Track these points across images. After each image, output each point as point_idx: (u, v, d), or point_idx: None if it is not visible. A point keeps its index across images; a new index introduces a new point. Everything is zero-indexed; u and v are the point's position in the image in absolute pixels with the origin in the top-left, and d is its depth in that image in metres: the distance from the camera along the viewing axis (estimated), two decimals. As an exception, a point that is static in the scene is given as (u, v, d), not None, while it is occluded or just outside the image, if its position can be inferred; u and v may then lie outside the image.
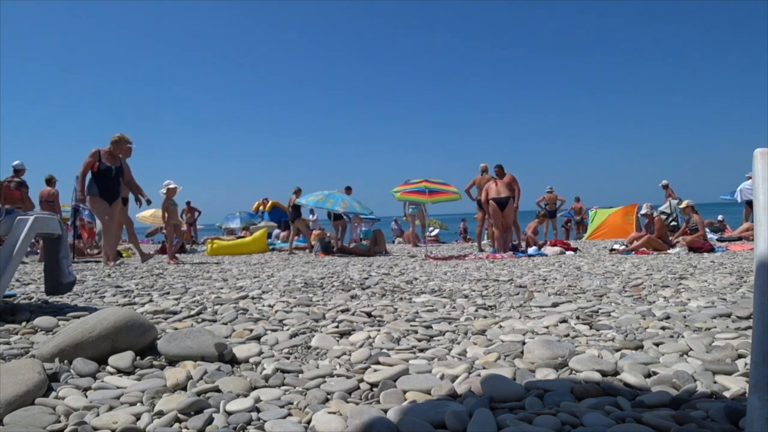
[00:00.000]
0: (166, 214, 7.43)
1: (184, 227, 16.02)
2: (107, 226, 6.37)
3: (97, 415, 1.13)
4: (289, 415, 1.15)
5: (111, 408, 1.17)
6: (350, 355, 1.62)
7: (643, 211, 8.13)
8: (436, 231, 16.83)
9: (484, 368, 1.45)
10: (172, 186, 7.32)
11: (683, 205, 9.08)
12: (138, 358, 1.56)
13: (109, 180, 6.35)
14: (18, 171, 7.66)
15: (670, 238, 8.05)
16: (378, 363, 1.51)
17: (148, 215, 18.37)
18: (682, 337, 1.76)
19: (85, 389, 1.31)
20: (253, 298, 2.87)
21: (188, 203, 15.90)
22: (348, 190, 11.77)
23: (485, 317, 2.22)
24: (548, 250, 7.59)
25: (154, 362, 1.54)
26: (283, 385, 1.35)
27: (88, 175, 6.32)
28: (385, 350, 1.67)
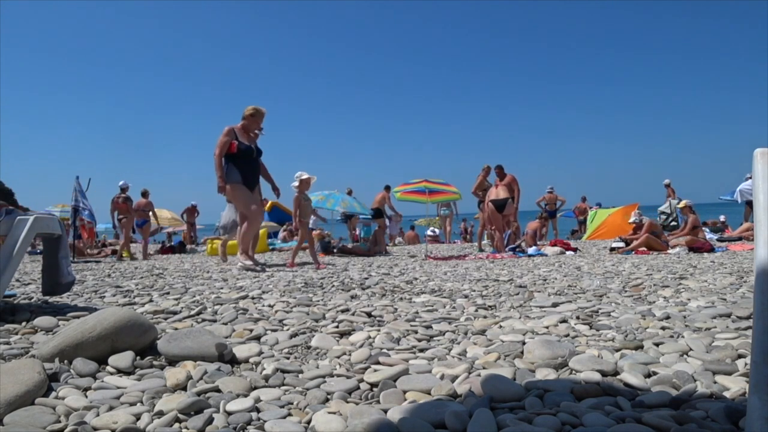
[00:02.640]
0: (298, 211, 6.15)
1: (184, 227, 16.05)
2: (253, 216, 5.33)
3: (97, 415, 1.13)
4: (289, 415, 1.15)
5: (111, 408, 1.17)
6: (350, 355, 1.62)
7: (631, 220, 8.10)
8: (437, 231, 16.83)
9: (484, 368, 1.45)
10: (305, 177, 6.09)
11: (681, 204, 9.09)
12: (138, 358, 1.56)
13: (250, 162, 5.37)
14: (123, 189, 9.42)
15: (668, 236, 8.04)
16: (378, 363, 1.51)
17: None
18: (682, 337, 1.76)
19: (85, 389, 1.31)
20: (253, 298, 2.87)
21: (194, 206, 15.96)
22: (349, 192, 11.87)
23: (485, 317, 2.22)
24: (548, 250, 7.59)
25: (154, 362, 1.54)
26: (283, 385, 1.35)
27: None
28: (385, 350, 1.67)
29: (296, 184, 6.13)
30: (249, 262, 5.23)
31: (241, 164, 5.26)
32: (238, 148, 5.20)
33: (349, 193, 12.08)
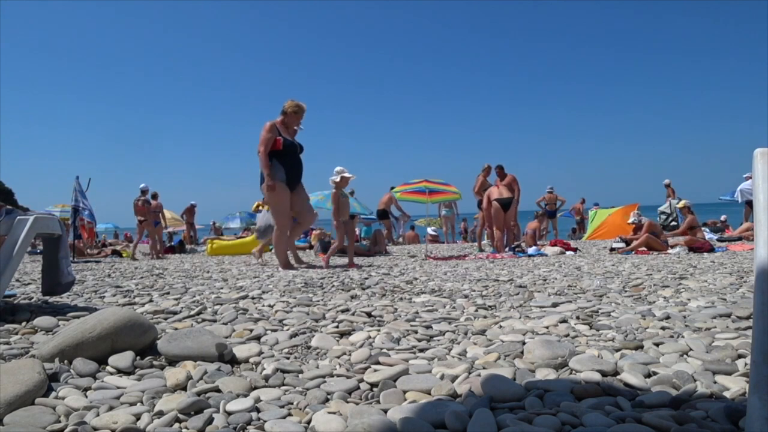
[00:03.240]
0: (335, 209, 5.88)
1: (183, 226, 16.07)
2: (283, 227, 5.12)
3: (97, 415, 1.13)
4: (289, 415, 1.15)
5: (111, 408, 1.17)
6: (350, 355, 1.62)
7: (630, 220, 8.11)
8: (437, 231, 16.84)
9: (484, 368, 1.45)
10: (347, 175, 5.80)
11: (680, 205, 9.09)
12: (138, 358, 1.56)
13: (294, 159, 5.13)
14: (144, 192, 9.74)
15: (666, 235, 8.05)
16: (378, 363, 1.51)
17: (148, 215, 18.36)
18: (682, 337, 1.76)
19: (85, 389, 1.31)
20: (253, 298, 2.87)
21: (193, 205, 15.96)
22: (351, 193, 11.95)
23: (485, 317, 2.22)
24: (548, 250, 7.59)
25: (154, 362, 1.54)
26: (283, 385, 1.35)
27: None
28: (385, 350, 1.67)
29: (336, 179, 5.78)
30: (288, 270, 4.98)
31: (286, 161, 5.00)
32: (283, 144, 4.94)
33: (351, 193, 12.13)
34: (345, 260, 6.91)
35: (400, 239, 14.08)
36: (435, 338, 1.86)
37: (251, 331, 1.96)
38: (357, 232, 13.83)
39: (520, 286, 3.24)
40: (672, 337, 1.78)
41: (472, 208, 10.12)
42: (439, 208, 13.47)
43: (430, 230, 13.62)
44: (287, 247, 5.39)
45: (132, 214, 9.83)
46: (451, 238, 13.88)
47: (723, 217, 13.05)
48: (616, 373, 1.40)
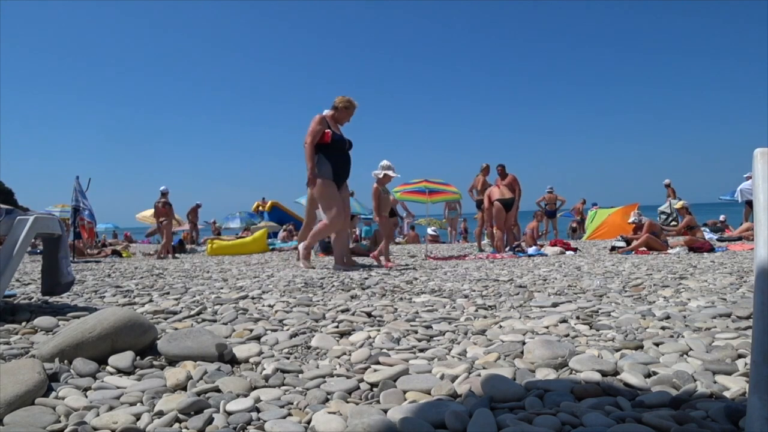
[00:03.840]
0: (376, 204, 5.66)
1: (186, 226, 16.09)
2: (332, 222, 4.94)
3: (97, 415, 1.13)
4: (289, 415, 1.15)
5: (111, 408, 1.17)
6: (350, 355, 1.62)
7: (630, 220, 8.12)
8: (437, 231, 16.85)
9: (484, 368, 1.45)
10: (391, 174, 5.60)
11: (678, 205, 9.11)
12: (138, 358, 1.56)
13: (342, 155, 4.93)
14: (164, 194, 10.10)
15: (665, 233, 8.07)
16: (378, 363, 1.51)
17: (148, 215, 18.39)
18: (682, 337, 1.76)
19: (85, 389, 1.31)
20: (253, 298, 2.87)
21: (198, 205, 16.01)
22: (351, 194, 12.01)
23: (485, 317, 2.22)
24: (548, 250, 7.59)
25: (154, 362, 1.54)
26: (283, 385, 1.35)
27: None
28: (385, 350, 1.67)
29: (380, 175, 5.57)
30: (306, 264, 4.92)
31: (334, 156, 4.81)
32: (332, 138, 4.74)
33: (352, 194, 12.18)
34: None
35: (404, 239, 14.11)
36: (435, 338, 1.86)
37: (251, 331, 1.96)
38: (357, 232, 13.86)
39: (520, 286, 3.24)
40: (672, 337, 1.78)
41: (471, 208, 10.12)
42: (445, 209, 13.50)
43: (430, 230, 13.63)
44: (316, 241, 5.20)
45: (131, 215, 10.02)
46: (460, 239, 13.97)
47: (722, 217, 13.06)
48: (616, 373, 1.40)
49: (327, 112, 5.07)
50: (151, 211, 18.47)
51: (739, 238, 9.47)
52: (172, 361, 1.56)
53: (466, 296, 2.86)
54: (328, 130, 4.79)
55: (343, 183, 5.05)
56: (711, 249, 7.09)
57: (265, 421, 1.10)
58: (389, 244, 5.92)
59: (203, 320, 2.22)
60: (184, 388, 1.32)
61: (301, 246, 5.18)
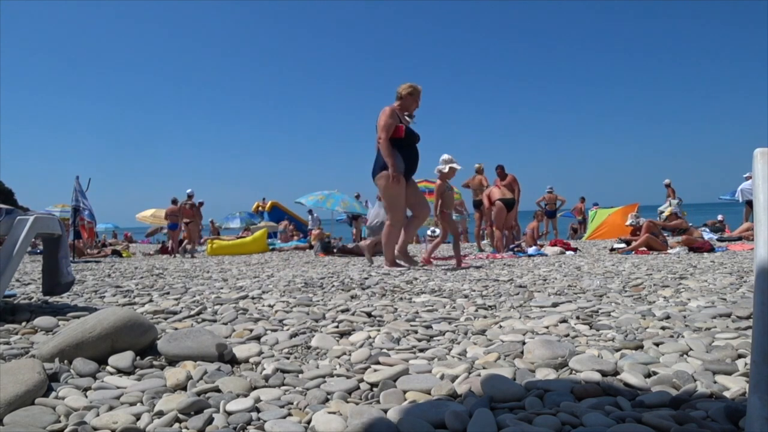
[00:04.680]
0: (440, 201, 5.36)
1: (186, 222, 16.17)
2: (397, 223, 4.77)
3: (97, 415, 1.13)
4: (289, 415, 1.15)
5: (111, 408, 1.17)
6: (350, 355, 1.62)
7: (628, 222, 8.12)
8: (437, 231, 16.85)
9: (484, 368, 1.45)
10: (455, 166, 5.28)
11: (666, 213, 9.15)
12: (138, 358, 1.56)
13: (413, 149, 4.74)
14: (190, 196, 10.80)
15: (661, 225, 8.09)
16: (378, 363, 1.51)
17: (148, 215, 18.40)
18: (682, 337, 1.76)
19: (85, 389, 1.31)
20: (253, 298, 2.87)
21: (201, 203, 16.06)
22: (357, 197, 12.09)
23: (485, 317, 2.22)
24: (548, 250, 7.59)
25: (154, 362, 1.54)
26: (283, 385, 1.35)
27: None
28: (385, 350, 1.67)
29: (444, 169, 5.25)
30: (395, 268, 4.69)
31: (406, 151, 4.61)
32: (405, 132, 4.55)
33: (357, 197, 12.29)
34: (345, 260, 6.89)
35: (429, 238, 14.08)
36: (435, 338, 1.86)
37: (251, 331, 1.96)
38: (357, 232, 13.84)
39: (520, 286, 3.24)
40: (672, 337, 1.78)
41: (471, 209, 10.12)
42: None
43: (429, 230, 13.63)
44: (403, 245, 5.00)
45: (131, 215, 10.29)
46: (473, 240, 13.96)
47: (720, 217, 13.06)
48: (616, 373, 1.40)
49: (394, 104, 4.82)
50: (152, 211, 18.48)
51: (739, 238, 9.47)
52: (172, 361, 1.56)
53: (466, 296, 2.86)
54: (401, 124, 4.60)
55: (411, 177, 4.87)
56: (711, 249, 7.09)
57: (265, 421, 1.10)
58: (458, 243, 5.59)
59: (203, 320, 2.22)
60: (184, 388, 1.32)
61: (396, 249, 4.93)
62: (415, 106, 4.82)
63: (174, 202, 11.65)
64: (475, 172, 9.58)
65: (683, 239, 7.55)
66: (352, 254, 8.49)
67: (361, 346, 1.72)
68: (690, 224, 9.77)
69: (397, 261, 4.93)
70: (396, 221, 4.83)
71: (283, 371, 1.45)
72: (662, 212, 12.11)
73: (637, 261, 5.51)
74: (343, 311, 2.37)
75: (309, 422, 1.10)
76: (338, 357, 1.61)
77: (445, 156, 5.33)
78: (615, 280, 3.54)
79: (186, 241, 10.96)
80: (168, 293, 3.15)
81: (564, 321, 2.08)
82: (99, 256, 9.89)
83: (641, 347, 1.64)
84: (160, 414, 1.14)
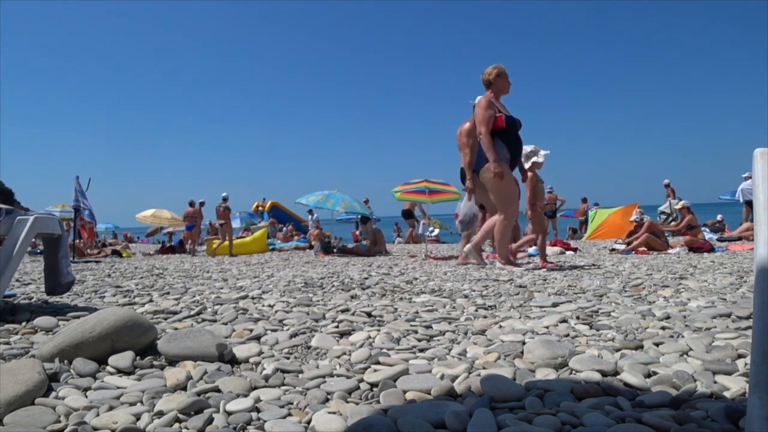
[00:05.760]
0: (533, 194, 5.11)
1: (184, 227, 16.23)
2: (511, 215, 4.52)
3: (97, 415, 1.13)
4: (289, 415, 1.15)
5: (111, 408, 1.17)
6: (350, 355, 1.62)
7: (633, 218, 8.11)
8: (437, 231, 16.86)
9: (484, 368, 1.45)
10: (543, 152, 5.03)
11: (679, 206, 9.12)
12: (138, 358, 1.56)
13: (517, 137, 4.48)
14: (225, 199, 11.38)
15: (665, 228, 8.08)
16: (378, 363, 1.51)
17: (148, 215, 18.40)
18: (682, 337, 1.76)
19: (85, 389, 1.31)
20: (253, 298, 2.87)
21: (202, 203, 16.16)
22: (366, 202, 12.37)
23: (485, 317, 2.22)
24: (548, 249, 7.59)
25: (154, 362, 1.54)
26: (283, 385, 1.35)
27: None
28: (385, 350, 1.67)
29: (539, 160, 5.01)
30: (511, 267, 4.46)
31: (509, 141, 4.39)
32: (505, 121, 4.31)
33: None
34: (345, 260, 6.89)
35: (399, 239, 14.20)
36: (435, 338, 1.86)
37: (251, 331, 1.96)
38: (357, 232, 13.86)
39: (520, 286, 3.24)
40: (672, 337, 1.78)
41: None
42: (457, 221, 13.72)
43: (429, 230, 13.66)
44: (480, 241, 4.80)
45: (131, 215, 10.67)
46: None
47: (719, 217, 13.05)
48: (616, 373, 1.40)
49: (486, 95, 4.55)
50: (152, 211, 18.47)
51: (739, 238, 9.47)
52: (172, 361, 1.56)
53: (466, 296, 2.86)
54: (500, 114, 4.37)
55: (513, 169, 4.67)
56: (711, 249, 7.09)
57: (265, 421, 1.10)
58: (545, 241, 5.30)
59: (203, 320, 2.23)
60: (184, 388, 1.32)
61: (472, 243, 4.79)
62: (509, 87, 4.56)
63: (191, 204, 12.44)
64: None
65: (686, 239, 7.54)
66: (352, 254, 8.49)
67: (361, 346, 1.72)
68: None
69: (471, 258, 4.73)
70: (510, 215, 4.57)
71: (283, 371, 1.45)
72: (662, 212, 12.10)
73: (637, 261, 5.51)
74: (343, 311, 2.37)
75: (309, 422, 1.10)
76: (338, 357, 1.61)
77: (531, 148, 5.03)
78: (615, 280, 3.54)
79: (191, 242, 11.80)
80: (168, 293, 3.15)
81: (564, 321, 2.08)
82: (99, 256, 9.89)
83: (641, 347, 1.64)
84: (160, 414, 1.14)
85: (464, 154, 5.17)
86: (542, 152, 5.07)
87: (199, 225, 12.46)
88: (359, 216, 9.98)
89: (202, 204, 15.48)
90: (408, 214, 13.30)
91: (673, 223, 11.32)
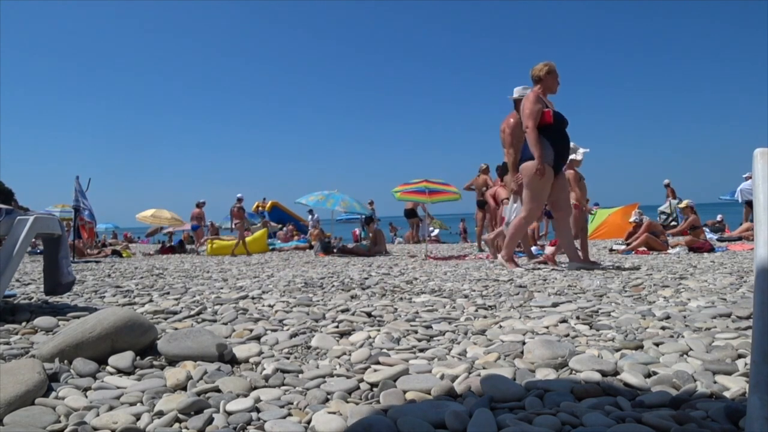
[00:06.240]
0: (582, 194, 5.02)
1: (187, 226, 16.28)
2: (531, 215, 4.43)
3: (97, 415, 1.13)
4: (289, 415, 1.15)
5: (111, 408, 1.17)
6: (350, 355, 1.62)
7: (632, 219, 8.10)
8: (437, 231, 16.86)
9: (484, 368, 1.45)
10: (582, 150, 4.99)
11: (682, 205, 9.10)
12: (138, 358, 1.56)
13: (564, 135, 4.34)
14: (240, 200, 12.21)
15: (667, 233, 8.06)
16: (378, 363, 1.51)
17: (148, 215, 18.39)
18: (682, 337, 1.76)
19: (85, 389, 1.31)
20: (253, 298, 2.87)
21: (202, 203, 16.26)
22: (371, 203, 12.57)
23: (485, 317, 2.22)
24: (548, 249, 7.58)
25: (154, 362, 1.55)
26: (283, 385, 1.35)
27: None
28: (385, 350, 1.67)
29: (578, 158, 4.98)
30: (512, 266, 4.39)
31: (556, 138, 4.26)
32: (554, 117, 4.19)
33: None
34: (345, 260, 6.90)
35: (399, 239, 14.23)
36: (435, 338, 1.86)
37: (251, 331, 1.96)
38: (357, 232, 13.89)
39: (520, 286, 3.24)
40: (672, 337, 1.78)
41: (472, 209, 10.11)
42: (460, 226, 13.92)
43: (429, 230, 13.67)
44: (517, 241, 4.68)
45: (131, 215, 10.97)
46: (459, 240, 14.36)
47: (719, 217, 13.04)
48: (616, 373, 1.40)
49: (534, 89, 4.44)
50: (152, 211, 18.47)
51: (739, 238, 9.47)
52: (172, 361, 1.56)
53: (466, 296, 2.86)
54: (548, 109, 4.25)
55: (561, 168, 4.52)
56: (711, 249, 7.09)
57: (265, 421, 1.10)
58: (586, 239, 5.19)
59: (203, 320, 2.23)
60: (184, 388, 1.32)
61: (504, 252, 4.68)
62: (557, 85, 4.45)
63: (198, 205, 13.39)
64: (479, 172, 9.57)
65: (687, 239, 7.54)
66: (352, 254, 8.49)
67: (361, 346, 1.72)
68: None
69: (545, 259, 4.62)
70: (531, 215, 4.49)
71: (283, 371, 1.45)
72: (662, 212, 12.10)
73: (637, 261, 5.51)
74: (343, 311, 2.37)
75: (309, 422, 1.10)
76: (338, 357, 1.61)
77: (574, 144, 4.94)
78: (615, 280, 3.53)
79: (197, 242, 12.36)
80: (168, 293, 3.15)
81: (564, 321, 2.08)
82: (99, 256, 9.88)
83: (641, 347, 1.64)
84: (160, 414, 1.14)
85: (508, 154, 5.03)
86: (581, 150, 5.01)
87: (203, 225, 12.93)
88: (363, 216, 10.00)
89: (202, 204, 15.61)
90: (411, 214, 13.35)
91: (674, 223, 11.32)
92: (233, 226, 11.86)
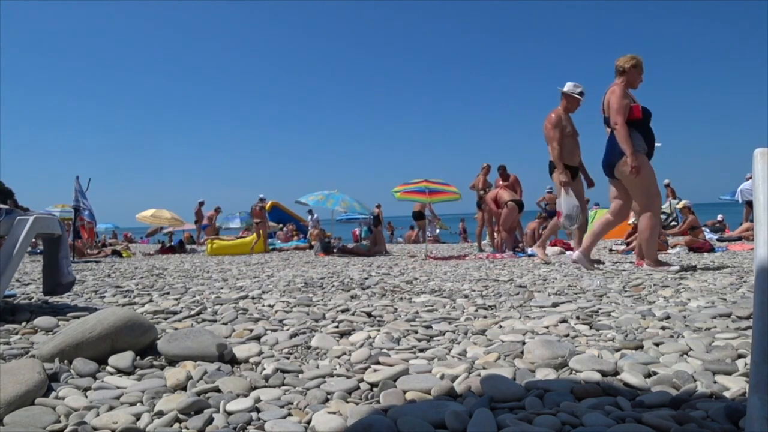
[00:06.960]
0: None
1: (188, 226, 16.33)
2: (656, 207, 4.20)
3: (97, 415, 1.13)
4: (289, 415, 1.15)
5: (111, 408, 1.17)
6: (350, 355, 1.62)
7: (631, 221, 8.10)
8: (437, 231, 16.87)
9: (484, 368, 1.45)
10: None
11: (680, 205, 9.10)
12: (138, 358, 1.56)
13: (651, 130, 4.18)
14: (262, 199, 12.35)
15: (666, 234, 8.06)
16: (378, 363, 1.51)
17: (148, 215, 18.39)
18: (682, 337, 1.76)
19: (85, 389, 1.31)
20: (253, 298, 2.87)
21: (202, 203, 16.40)
22: (378, 206, 12.68)
23: (485, 317, 2.22)
24: (548, 250, 7.58)
25: (154, 362, 1.55)
26: (283, 385, 1.35)
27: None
28: (385, 350, 1.67)
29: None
30: (663, 268, 4.08)
31: (645, 133, 4.10)
32: (642, 111, 4.06)
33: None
34: (345, 260, 6.90)
35: (399, 239, 14.27)
36: (435, 338, 1.86)
37: (251, 331, 1.96)
38: (357, 232, 13.90)
39: (520, 286, 3.24)
40: (672, 337, 1.78)
41: (472, 209, 10.12)
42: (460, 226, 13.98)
43: (429, 230, 13.67)
44: (656, 241, 4.39)
45: (131, 215, 11.08)
46: (459, 240, 14.49)
47: (720, 217, 13.04)
48: (616, 373, 1.40)
49: (617, 81, 4.30)
50: (152, 211, 18.47)
51: (739, 238, 9.47)
52: (172, 361, 1.56)
53: (466, 296, 2.86)
54: (636, 104, 4.12)
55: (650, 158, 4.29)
56: (711, 249, 7.09)
57: (265, 421, 1.10)
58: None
59: (203, 320, 2.23)
60: (184, 388, 1.32)
61: (580, 250, 4.50)
62: (641, 80, 4.31)
63: (217, 210, 14.51)
64: (481, 171, 9.60)
65: (687, 239, 7.53)
66: (352, 254, 8.49)
67: (361, 346, 1.72)
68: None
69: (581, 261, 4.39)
70: (657, 210, 4.25)
71: (283, 371, 1.45)
72: (662, 212, 12.10)
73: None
74: (343, 311, 2.37)
75: (309, 422, 1.10)
76: (338, 357, 1.61)
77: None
78: (615, 280, 3.53)
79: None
80: (168, 293, 3.15)
81: (564, 321, 2.08)
82: (99, 256, 9.88)
83: (641, 347, 1.64)
84: (160, 414, 1.14)
85: (552, 148, 4.96)
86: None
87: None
88: (371, 218, 10.01)
89: (202, 204, 15.61)
90: (419, 216, 13.44)
91: (673, 223, 11.32)
92: (254, 224, 12.08)
